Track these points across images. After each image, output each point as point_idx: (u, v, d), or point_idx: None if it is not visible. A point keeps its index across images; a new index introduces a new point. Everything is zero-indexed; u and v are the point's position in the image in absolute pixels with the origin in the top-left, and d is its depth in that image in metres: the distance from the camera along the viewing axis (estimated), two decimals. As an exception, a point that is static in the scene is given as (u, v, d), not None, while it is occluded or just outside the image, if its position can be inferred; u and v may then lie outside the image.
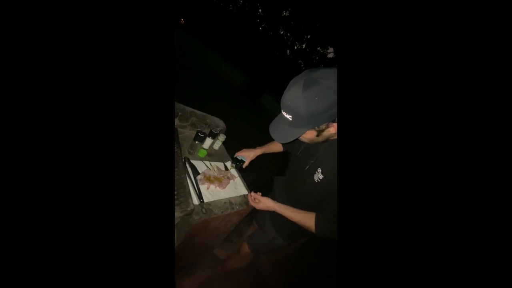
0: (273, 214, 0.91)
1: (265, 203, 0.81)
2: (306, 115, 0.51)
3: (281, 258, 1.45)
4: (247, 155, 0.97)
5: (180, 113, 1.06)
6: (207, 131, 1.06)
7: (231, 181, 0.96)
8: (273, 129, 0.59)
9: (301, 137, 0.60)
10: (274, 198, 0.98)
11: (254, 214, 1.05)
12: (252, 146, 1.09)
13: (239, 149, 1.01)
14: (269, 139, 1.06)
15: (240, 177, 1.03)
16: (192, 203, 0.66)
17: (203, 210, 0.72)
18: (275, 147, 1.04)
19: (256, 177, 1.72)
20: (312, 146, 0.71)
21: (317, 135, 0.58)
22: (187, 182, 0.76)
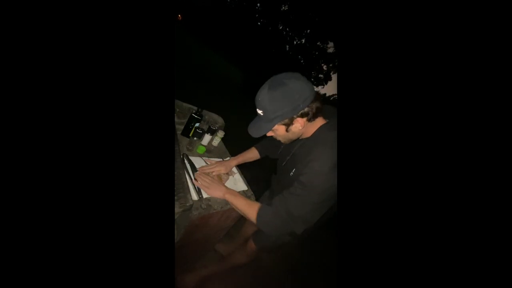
0: None
1: (215, 189, 0.76)
2: (273, 110, 0.60)
3: (283, 253, 1.47)
4: (218, 170, 0.91)
5: (178, 110, 1.05)
6: (205, 127, 1.05)
7: (231, 177, 0.95)
8: (250, 126, 0.69)
9: (275, 135, 0.70)
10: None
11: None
12: (251, 142, 1.08)
13: (238, 145, 1.00)
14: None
15: (239, 173, 1.02)
16: (191, 198, 0.66)
17: (203, 205, 0.71)
18: (251, 155, 1.04)
19: (256, 174, 1.72)
20: (288, 146, 0.80)
21: (287, 130, 0.66)
22: (186, 178, 0.76)
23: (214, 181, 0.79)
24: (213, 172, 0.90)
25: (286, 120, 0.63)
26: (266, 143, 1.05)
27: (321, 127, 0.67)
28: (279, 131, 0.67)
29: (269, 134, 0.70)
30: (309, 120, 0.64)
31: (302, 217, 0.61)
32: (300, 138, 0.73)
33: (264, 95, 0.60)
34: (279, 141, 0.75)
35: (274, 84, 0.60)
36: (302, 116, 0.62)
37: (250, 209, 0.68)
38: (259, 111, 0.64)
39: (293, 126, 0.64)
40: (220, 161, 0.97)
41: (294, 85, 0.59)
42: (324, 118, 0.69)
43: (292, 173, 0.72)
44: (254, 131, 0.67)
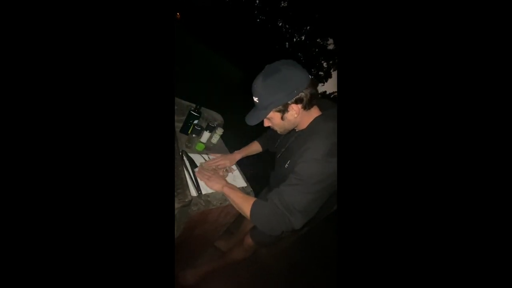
0: None
1: (215, 181, 0.77)
2: (267, 96, 0.61)
3: (281, 249, 1.47)
4: (223, 163, 0.93)
5: (176, 107, 1.06)
6: (204, 124, 1.05)
7: (230, 173, 0.96)
8: (247, 115, 0.70)
9: (272, 125, 0.70)
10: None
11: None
12: (250, 140, 1.09)
13: (238, 142, 1.00)
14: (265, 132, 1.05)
15: (238, 170, 1.03)
16: (190, 194, 0.66)
17: (202, 201, 0.72)
18: (253, 148, 1.06)
19: (256, 171, 1.73)
20: (284, 138, 0.81)
21: (282, 118, 0.66)
22: (185, 175, 0.76)
23: (215, 174, 0.81)
24: (218, 165, 0.92)
25: (281, 107, 0.63)
26: (267, 136, 1.06)
27: (316, 118, 0.67)
28: (274, 119, 0.67)
29: (265, 123, 0.70)
30: (304, 108, 0.64)
31: (299, 209, 0.58)
32: (296, 130, 0.73)
33: (259, 82, 0.61)
34: (279, 134, 0.75)
35: (269, 71, 0.60)
36: (296, 102, 0.62)
37: (245, 204, 0.67)
38: (255, 99, 0.64)
39: (289, 113, 0.64)
40: (224, 154, 0.98)
41: (288, 71, 0.59)
42: (320, 110, 0.69)
43: (287, 164, 0.72)
44: (251, 119, 0.68)
